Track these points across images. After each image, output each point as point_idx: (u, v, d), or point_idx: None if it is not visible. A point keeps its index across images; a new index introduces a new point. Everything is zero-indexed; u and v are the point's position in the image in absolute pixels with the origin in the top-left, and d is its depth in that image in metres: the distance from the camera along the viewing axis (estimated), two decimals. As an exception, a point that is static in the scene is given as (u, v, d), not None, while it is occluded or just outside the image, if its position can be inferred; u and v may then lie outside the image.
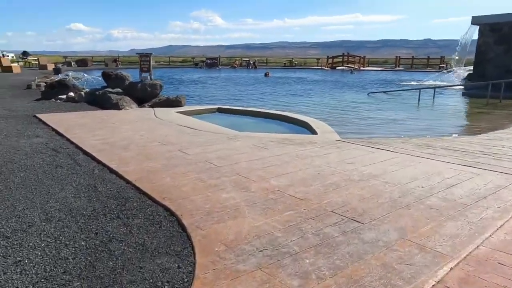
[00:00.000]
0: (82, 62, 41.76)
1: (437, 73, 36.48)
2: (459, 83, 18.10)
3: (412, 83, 23.15)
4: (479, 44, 17.75)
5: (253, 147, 5.75)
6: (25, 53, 41.94)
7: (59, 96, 11.56)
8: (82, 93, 11.41)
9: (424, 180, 4.19)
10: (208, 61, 46.33)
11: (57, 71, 25.29)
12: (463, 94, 15.30)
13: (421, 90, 14.50)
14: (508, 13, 17.18)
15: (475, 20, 18.06)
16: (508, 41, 16.73)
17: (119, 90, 11.09)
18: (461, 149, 5.84)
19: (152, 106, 10.46)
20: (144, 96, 11.07)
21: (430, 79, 26.25)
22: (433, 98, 14.15)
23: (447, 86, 17.31)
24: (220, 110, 10.57)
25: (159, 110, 9.73)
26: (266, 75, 29.64)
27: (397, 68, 45.22)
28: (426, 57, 47.37)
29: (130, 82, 11.44)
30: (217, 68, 43.87)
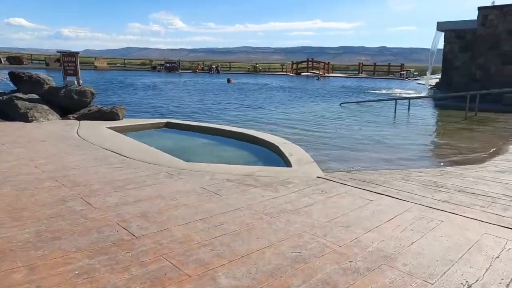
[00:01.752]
0: (16, 60, 37.45)
1: (399, 81, 36.64)
2: (432, 95, 17.27)
3: (382, 91, 22.37)
4: (445, 52, 17.06)
5: (200, 192, 3.90)
6: (60, 52, 37.03)
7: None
8: (-15, 100, 8.97)
9: (464, 264, 2.54)
10: (168, 64, 43.85)
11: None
12: (436, 105, 14.35)
13: (392, 101, 13.42)
14: (471, 20, 16.59)
15: (440, 26, 17.36)
16: (472, 48, 16.09)
17: (34, 96, 8.79)
18: (480, 191, 4.31)
19: (78, 119, 8.29)
20: (69, 105, 8.81)
21: (396, 87, 25.75)
22: (408, 110, 13.01)
23: (421, 97, 16.36)
24: (168, 125, 8.59)
25: (86, 125, 7.60)
26: (228, 81, 27.85)
27: (360, 74, 45.15)
28: (387, 64, 47.77)
29: (50, 87, 9.14)
30: (177, 72, 41.52)
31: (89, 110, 8.43)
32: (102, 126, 7.49)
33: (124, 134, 7.31)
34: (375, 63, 48.79)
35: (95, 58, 51.14)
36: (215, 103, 14.44)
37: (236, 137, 7.61)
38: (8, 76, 9.63)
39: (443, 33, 17.21)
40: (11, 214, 3.07)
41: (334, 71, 49.08)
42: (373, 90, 23.17)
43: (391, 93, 20.84)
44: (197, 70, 43.16)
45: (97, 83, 23.16)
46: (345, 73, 48.45)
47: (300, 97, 18.15)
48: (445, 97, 13.91)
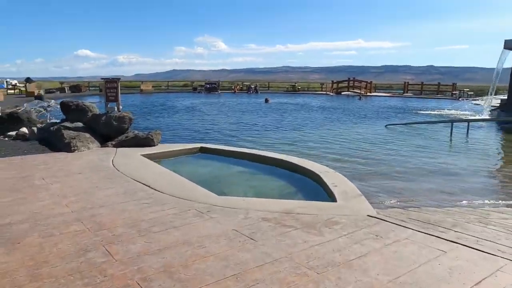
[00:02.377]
0: (76, 88, 40.03)
1: (451, 101, 34.41)
2: (497, 117, 15.74)
3: (433, 112, 20.89)
4: None
5: (232, 236, 3.39)
6: (28, 80, 40.36)
7: (8, 133, 9.33)
8: (35, 128, 9.18)
9: None
10: (208, 85, 44.59)
11: (38, 98, 23.34)
12: (502, 129, 12.92)
13: (446, 123, 12.26)
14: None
15: (508, 44, 15.93)
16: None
17: (79, 124, 8.89)
18: None
19: (116, 146, 8.19)
20: (109, 132, 8.84)
21: (448, 108, 24.04)
22: (467, 133, 11.80)
23: (483, 119, 14.85)
24: (202, 150, 8.26)
25: (122, 153, 7.45)
26: (266, 101, 27.57)
27: (406, 94, 43.22)
28: (437, 83, 45.39)
29: (93, 115, 9.21)
30: (217, 92, 42.06)
31: (126, 137, 8.33)
32: (137, 154, 7.29)
33: (157, 161, 7.06)
34: (422, 82, 46.50)
35: (142, 82, 53.48)
36: (250, 124, 14.08)
37: (272, 163, 7.10)
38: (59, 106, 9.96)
39: (510, 51, 15.82)
40: (31, 271, 2.74)
41: (376, 90, 47.49)
42: (421, 110, 21.77)
43: (444, 114, 19.40)
44: (235, 90, 43.47)
45: (140, 106, 23.81)
46: (389, 92, 46.65)
47: (341, 118, 17.36)
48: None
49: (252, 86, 44.27)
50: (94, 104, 9.93)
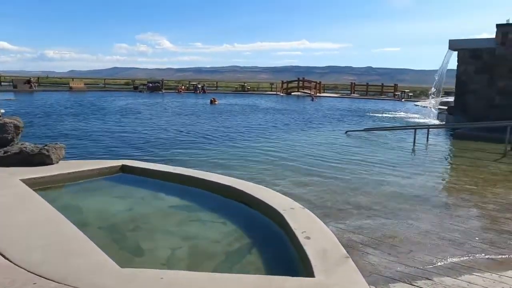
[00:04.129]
0: None
1: (394, 102, 34.98)
2: (445, 121, 15.15)
3: (385, 114, 20.31)
4: (459, 73, 15.10)
5: None
6: None
7: None
8: None
9: None
10: (150, 84, 41.38)
11: None
12: (456, 135, 12.14)
13: (400, 129, 11.31)
14: (487, 38, 14.79)
15: (453, 45, 15.46)
16: (490, 70, 14.20)
17: None
18: None
19: (-7, 165, 5.77)
20: None
21: (396, 109, 23.85)
22: (427, 140, 10.80)
23: (442, 126, 14.08)
24: (125, 170, 6.13)
25: (-5, 177, 5.11)
26: (212, 102, 25.45)
27: (353, 95, 43.53)
28: (380, 84, 46.36)
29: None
30: (161, 92, 39.09)
31: (5, 152, 5.90)
32: (14, 179, 4.98)
33: (45, 191, 4.87)
34: (367, 83, 47.25)
35: (73, 79, 48.49)
36: (192, 131, 12.02)
37: (217, 190, 5.21)
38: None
39: (455, 52, 15.29)
40: None
41: (325, 91, 47.41)
42: (373, 113, 21.11)
43: (396, 117, 18.80)
44: (180, 90, 40.70)
45: (59, 107, 20.61)
46: (337, 93, 46.81)
47: (296, 122, 15.88)
48: (480, 127, 11.68)
49: (200, 86, 41.84)
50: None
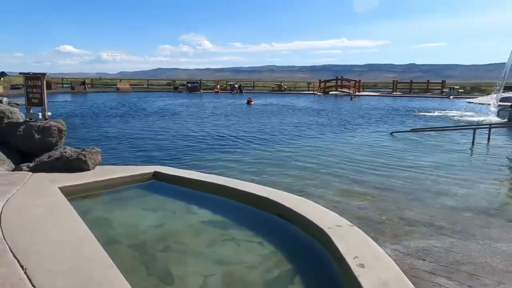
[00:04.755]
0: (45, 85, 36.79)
1: (441, 99, 32.88)
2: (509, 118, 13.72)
3: (434, 113, 18.88)
4: None
5: None
6: (2, 74, 37.02)
7: None
8: None
9: None
10: (189, 84, 42.04)
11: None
12: None
13: (454, 129, 10.28)
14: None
15: None
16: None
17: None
18: None
19: (33, 169, 5.74)
20: (31, 147, 6.51)
21: (447, 108, 22.19)
22: (488, 140, 9.74)
23: (507, 124, 12.61)
24: (158, 177, 5.88)
25: (33, 182, 5.08)
26: (248, 102, 25.14)
27: (395, 93, 41.62)
28: (425, 81, 43.89)
29: (8, 123, 6.75)
30: (199, 92, 39.55)
31: (49, 157, 5.85)
32: (53, 186, 4.87)
33: (80, 200, 4.71)
34: (411, 80, 44.99)
35: (120, 80, 50.37)
36: (227, 134, 11.68)
37: (252, 202, 4.79)
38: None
39: None
40: None
41: (364, 89, 45.73)
42: (420, 111, 19.79)
43: (448, 117, 17.40)
44: (217, 90, 40.83)
45: (104, 108, 21.21)
46: (377, 91, 44.99)
47: (335, 122, 15.14)
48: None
49: (236, 86, 41.84)
50: (14, 106, 7.44)
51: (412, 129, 11.54)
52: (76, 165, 5.82)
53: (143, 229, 4.13)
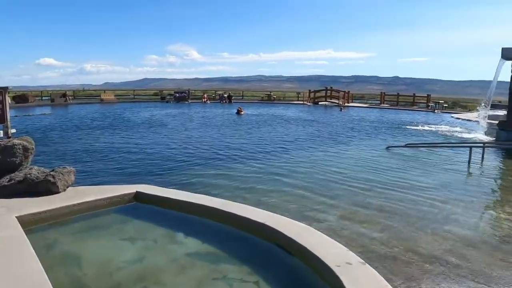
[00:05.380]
0: (21, 98, 35.03)
1: (427, 113, 32.98)
2: (497, 137, 13.48)
3: (424, 127, 18.71)
4: None
5: None
6: None
7: None
8: None
9: None
10: (177, 94, 41.32)
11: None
12: (508, 153, 10.58)
13: (457, 147, 9.95)
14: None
15: (506, 54, 13.90)
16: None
17: None
18: None
19: (-7, 194, 5.06)
20: None
21: (436, 122, 22.13)
22: (482, 159, 9.39)
23: (504, 144, 12.11)
24: (139, 198, 5.29)
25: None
26: (238, 112, 24.62)
27: (383, 105, 41.74)
28: (412, 95, 44.17)
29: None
30: (187, 102, 38.89)
31: (10, 180, 5.19)
32: (9, 218, 4.20)
33: (45, 232, 4.08)
34: (398, 93, 45.25)
35: (104, 91, 49.26)
36: (218, 147, 11.12)
37: (245, 228, 4.26)
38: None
39: (510, 62, 13.73)
40: None
41: (353, 101, 45.80)
42: (410, 125, 19.62)
43: (438, 131, 17.23)
44: (204, 100, 40.18)
45: (83, 120, 20.41)
46: (366, 103, 45.10)
47: (328, 134, 14.74)
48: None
49: (225, 95, 41.37)
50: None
51: (407, 144, 11.19)
52: (43, 188, 5.19)
53: (119, 266, 3.54)
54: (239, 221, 4.38)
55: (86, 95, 49.28)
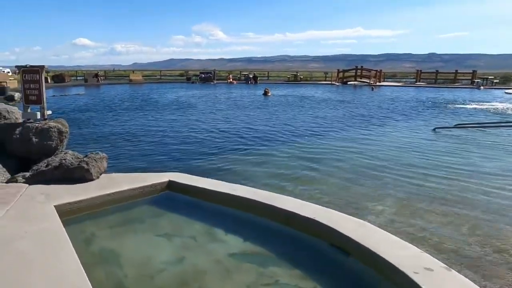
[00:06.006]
0: (59, 78, 36.53)
1: (472, 90, 30.92)
2: None
3: (467, 106, 17.37)
4: None
5: None
6: (18, 68, 36.69)
7: None
8: None
9: None
10: (202, 75, 41.00)
11: (1, 91, 19.88)
12: None
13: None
14: None
15: None
16: None
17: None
18: None
19: (29, 181, 4.83)
20: (29, 152, 5.60)
21: (491, 100, 20.49)
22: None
23: None
24: (172, 188, 4.90)
25: (26, 200, 4.17)
26: (265, 93, 23.87)
27: (418, 83, 39.72)
28: (454, 71, 41.67)
29: (4, 124, 5.87)
30: (212, 83, 38.51)
31: (47, 165, 4.92)
32: (48, 208, 3.93)
33: (82, 224, 3.79)
34: (437, 70, 42.84)
35: (133, 71, 49.62)
36: (250, 131, 10.60)
37: (293, 224, 3.78)
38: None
39: None
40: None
41: (385, 80, 43.90)
42: (457, 104, 18.30)
43: (490, 109, 15.92)
44: (229, 81, 39.54)
45: (114, 100, 20.38)
46: (399, 82, 43.12)
47: (363, 117, 13.91)
48: None
49: (251, 76, 40.62)
50: (14, 108, 6.53)
51: (457, 125, 10.27)
52: (78, 174, 4.90)
53: (159, 267, 3.16)
54: (284, 215, 3.90)
55: (116, 76, 49.93)
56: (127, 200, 4.55)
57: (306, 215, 3.75)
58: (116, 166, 6.31)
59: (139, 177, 5.07)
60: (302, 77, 46.69)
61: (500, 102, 18.65)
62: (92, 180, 4.88)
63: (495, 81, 35.11)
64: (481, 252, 3.37)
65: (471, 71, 38.95)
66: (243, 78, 42.12)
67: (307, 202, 4.15)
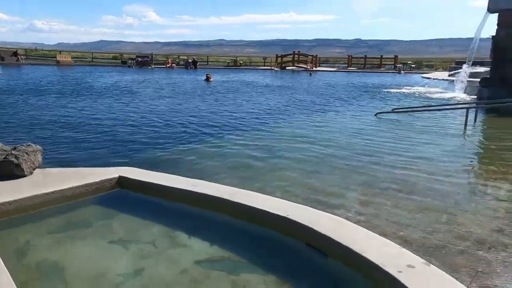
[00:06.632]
0: None
1: (394, 74, 33.34)
2: (479, 95, 13.38)
3: (398, 90, 18.56)
4: (498, 38, 13.10)
5: None
6: None
7: None
8: None
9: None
10: (139, 58, 38.77)
11: None
12: (501, 112, 10.41)
13: (453, 109, 9.68)
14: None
15: (493, 5, 13.39)
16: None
17: None
18: None
19: None
20: None
21: (408, 83, 22.23)
22: (475, 121, 9.24)
23: (498, 102, 11.68)
24: (123, 184, 4.38)
25: None
26: (207, 79, 23.21)
27: (350, 68, 41.73)
28: (379, 57, 44.45)
29: None
30: (150, 67, 36.61)
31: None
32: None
33: (13, 231, 3.19)
34: (365, 56, 45.32)
35: (60, 52, 45.07)
36: (193, 120, 10.10)
37: (263, 222, 3.54)
38: None
39: (494, 15, 13.30)
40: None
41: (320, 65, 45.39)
42: (387, 88, 19.42)
43: (416, 93, 17.11)
44: (168, 65, 38.07)
45: (41, 85, 18.33)
46: (333, 67, 44.88)
47: (307, 103, 14.09)
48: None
49: (190, 61, 39.37)
50: None
51: (394, 109, 10.81)
52: (6, 170, 4.15)
53: (113, 281, 2.73)
54: (254, 214, 3.63)
55: (40, 55, 45.09)
56: (69, 200, 3.95)
57: (278, 213, 3.51)
58: (54, 160, 5.53)
59: (82, 173, 4.44)
60: (241, 62, 46.42)
61: (422, 86, 20.23)
62: (24, 176, 4.16)
63: (412, 65, 38.40)
64: (439, 238, 3.46)
65: (393, 57, 41.98)
66: (182, 63, 40.66)
67: (278, 198, 3.92)
